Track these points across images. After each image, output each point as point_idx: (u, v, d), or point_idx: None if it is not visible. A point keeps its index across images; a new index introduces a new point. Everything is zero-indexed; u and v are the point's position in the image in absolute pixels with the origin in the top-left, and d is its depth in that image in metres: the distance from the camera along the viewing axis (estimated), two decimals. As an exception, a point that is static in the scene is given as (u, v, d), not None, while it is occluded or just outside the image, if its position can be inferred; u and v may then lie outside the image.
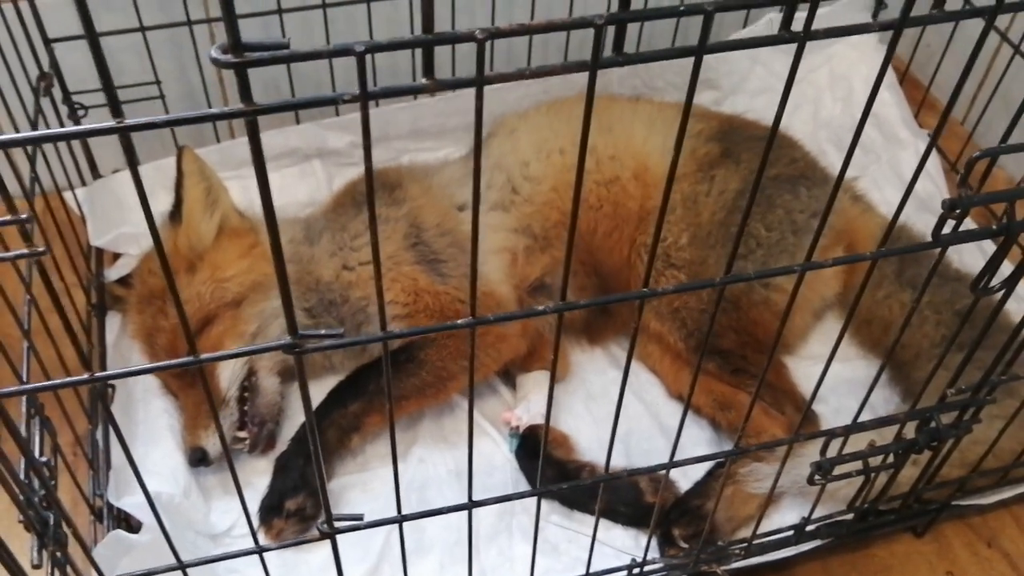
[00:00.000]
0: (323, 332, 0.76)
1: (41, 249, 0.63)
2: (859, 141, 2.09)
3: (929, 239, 0.88)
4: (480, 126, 0.64)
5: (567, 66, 0.64)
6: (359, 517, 0.97)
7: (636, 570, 1.22)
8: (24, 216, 0.62)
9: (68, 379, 0.74)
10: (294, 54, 0.58)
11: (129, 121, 0.59)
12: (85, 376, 0.73)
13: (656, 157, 1.56)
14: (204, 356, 0.75)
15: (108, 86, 0.58)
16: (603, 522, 1.36)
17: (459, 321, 0.79)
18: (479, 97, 0.63)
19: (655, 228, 0.78)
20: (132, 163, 0.61)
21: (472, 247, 0.72)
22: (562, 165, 1.57)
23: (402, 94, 0.61)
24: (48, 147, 1.50)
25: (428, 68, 0.61)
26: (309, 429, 0.82)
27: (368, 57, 0.57)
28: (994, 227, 0.88)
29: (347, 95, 0.61)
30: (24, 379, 1.07)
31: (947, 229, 0.87)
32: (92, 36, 0.53)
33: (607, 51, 0.63)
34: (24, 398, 1.05)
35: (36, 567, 0.97)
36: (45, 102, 1.47)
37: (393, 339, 0.79)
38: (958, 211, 0.84)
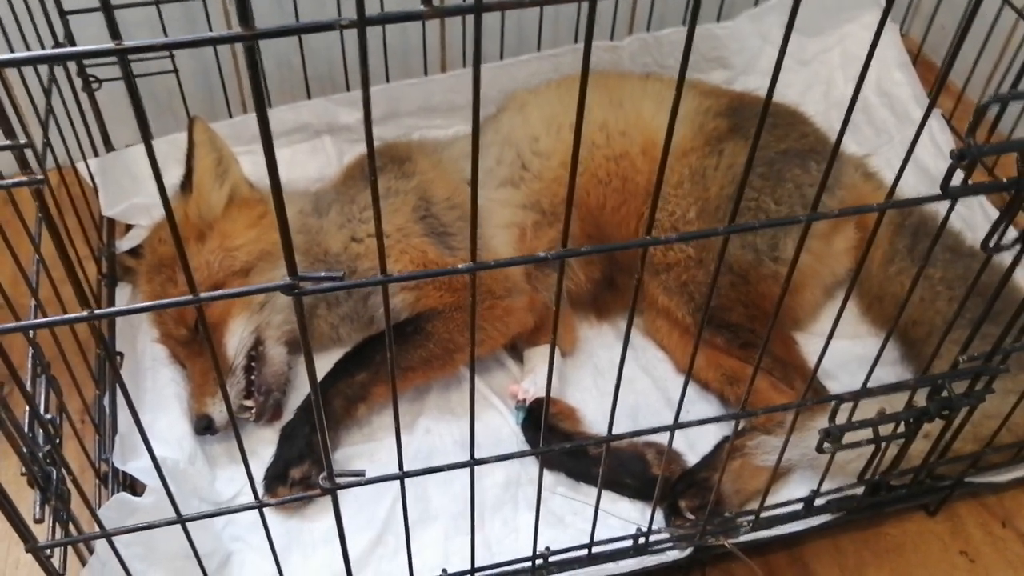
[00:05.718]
0: (322, 274, 0.75)
1: (39, 177, 0.63)
2: (872, 122, 2.05)
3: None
4: (479, 56, 0.64)
5: (566, -5, 0.63)
6: (360, 473, 0.97)
7: (641, 540, 1.21)
8: (23, 142, 0.62)
9: (67, 315, 0.74)
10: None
11: (128, 43, 0.59)
12: (84, 313, 0.74)
13: (665, 133, 1.55)
14: (204, 295, 0.74)
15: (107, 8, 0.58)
16: (609, 495, 1.35)
17: (460, 266, 0.79)
18: (478, 25, 0.63)
19: (657, 178, 0.77)
20: (132, 89, 0.61)
21: (472, 181, 0.71)
22: (571, 141, 1.56)
23: (399, 20, 0.61)
24: (63, 120, 1.51)
25: (426, -5, 0.61)
26: (310, 376, 0.82)
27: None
28: (1004, 180, 0.87)
29: (345, 20, 0.60)
30: (31, 336, 1.07)
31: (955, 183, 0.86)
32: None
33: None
34: (29, 354, 1.05)
35: (38, 522, 0.97)
36: (59, 72, 1.48)
37: (391, 283, 0.79)
38: (966, 161, 0.82)
